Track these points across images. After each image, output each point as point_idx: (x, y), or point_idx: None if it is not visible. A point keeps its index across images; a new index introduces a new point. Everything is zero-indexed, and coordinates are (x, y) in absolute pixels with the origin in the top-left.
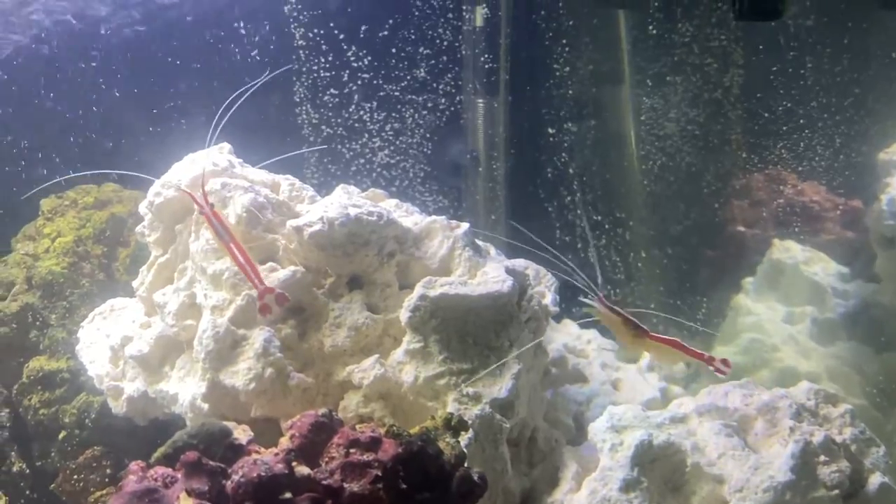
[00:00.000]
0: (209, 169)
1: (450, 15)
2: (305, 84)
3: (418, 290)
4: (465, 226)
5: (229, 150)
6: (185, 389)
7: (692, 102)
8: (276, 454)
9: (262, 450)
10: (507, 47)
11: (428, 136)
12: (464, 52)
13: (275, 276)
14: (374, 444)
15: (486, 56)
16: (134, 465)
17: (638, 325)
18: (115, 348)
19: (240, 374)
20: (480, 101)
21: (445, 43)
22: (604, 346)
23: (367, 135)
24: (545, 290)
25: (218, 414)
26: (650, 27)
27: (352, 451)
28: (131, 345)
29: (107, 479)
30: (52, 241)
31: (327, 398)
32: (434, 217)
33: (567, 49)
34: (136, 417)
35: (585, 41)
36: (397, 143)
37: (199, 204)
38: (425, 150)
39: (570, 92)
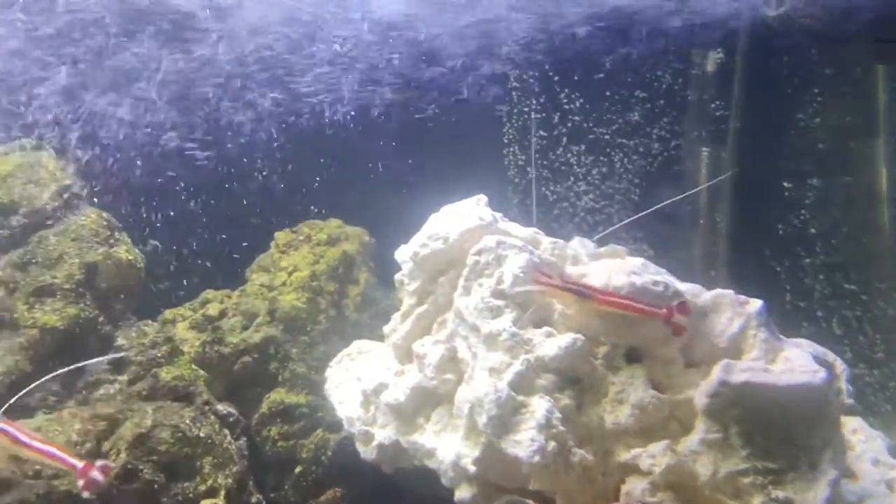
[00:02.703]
0: (475, 224)
1: (671, 58)
2: (515, 125)
3: (717, 374)
4: (757, 303)
5: (485, 202)
6: (444, 446)
7: None
8: None
9: None
10: (741, 94)
11: (636, 181)
12: (689, 98)
13: (553, 342)
14: None
15: (717, 103)
16: None
17: (580, 290)
18: (366, 393)
19: (523, 445)
20: (705, 149)
21: (664, 86)
22: (872, 437)
23: (572, 178)
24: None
25: (485, 479)
26: None
27: None
28: (387, 392)
29: None
30: (288, 275)
31: (607, 479)
32: (720, 291)
33: (817, 99)
34: (383, 464)
35: (841, 91)
36: (603, 187)
37: None
38: (633, 196)
39: (819, 145)
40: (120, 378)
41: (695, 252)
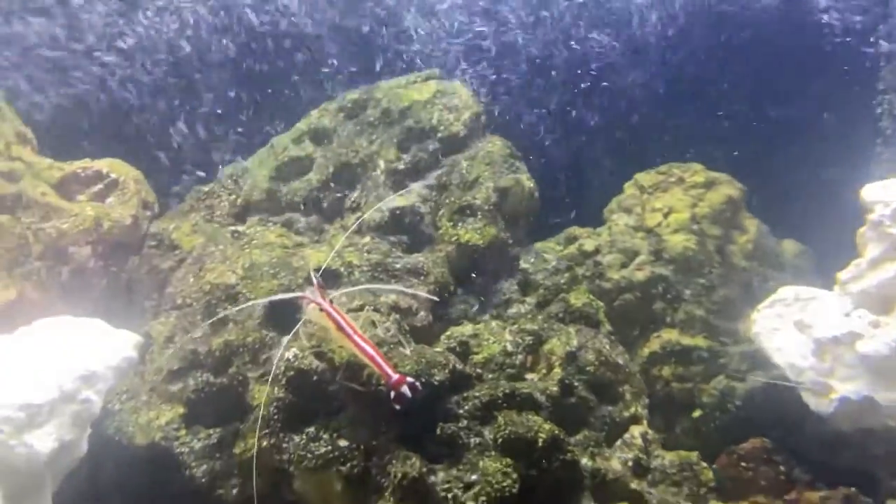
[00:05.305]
0: None
1: None
2: None
3: None
4: None
5: None
6: None
7: None
8: None
9: None
10: None
11: None
12: None
13: None
14: None
15: None
16: None
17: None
18: (821, 341)
19: None
20: None
21: None
22: None
23: None
24: None
25: None
26: None
27: None
28: (861, 343)
29: (782, 477)
30: (664, 217)
31: None
32: None
33: None
34: (841, 421)
35: None
36: None
37: None
38: None
39: None
40: (528, 300)
41: None
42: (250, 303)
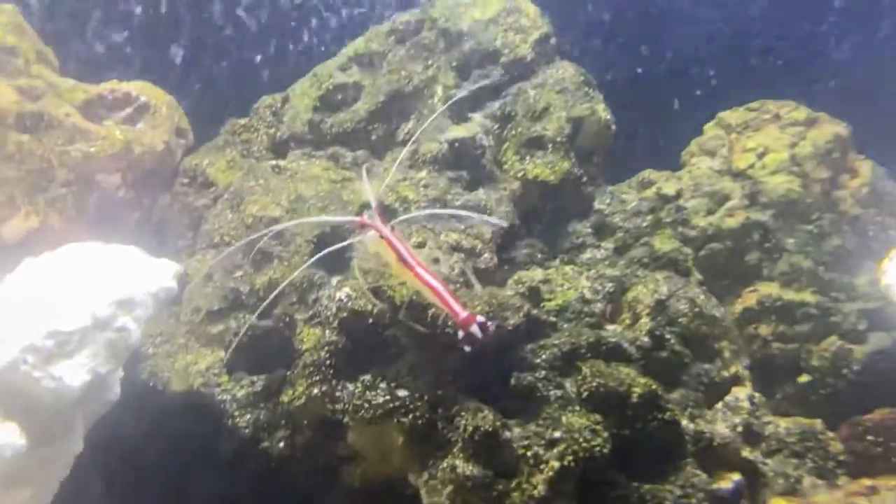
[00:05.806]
0: None
1: None
2: None
3: None
4: None
5: None
6: None
7: None
8: None
9: None
10: None
11: None
12: None
13: None
14: None
15: None
16: None
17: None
18: None
19: None
20: None
21: None
22: None
23: None
24: None
25: None
26: None
27: None
28: None
29: None
30: (758, 158)
31: None
32: None
33: None
34: None
35: None
36: None
37: None
38: None
39: None
40: (604, 244)
41: None
42: (295, 221)
